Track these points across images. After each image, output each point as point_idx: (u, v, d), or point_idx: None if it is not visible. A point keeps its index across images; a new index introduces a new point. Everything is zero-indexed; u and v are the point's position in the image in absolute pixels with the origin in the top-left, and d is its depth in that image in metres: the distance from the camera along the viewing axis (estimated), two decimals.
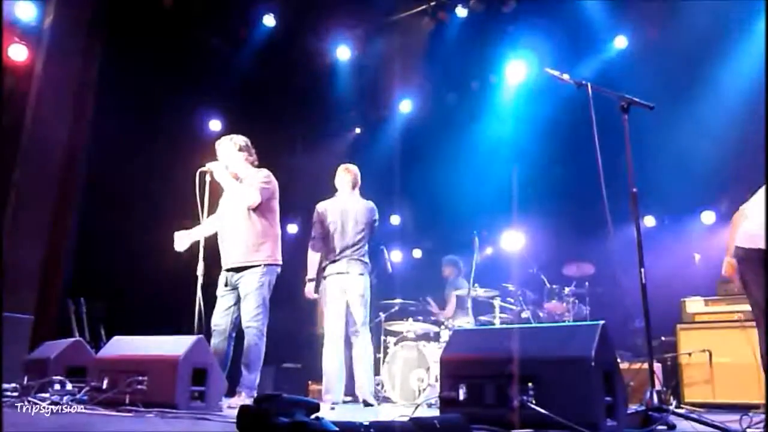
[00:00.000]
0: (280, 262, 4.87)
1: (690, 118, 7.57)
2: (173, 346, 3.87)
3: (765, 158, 5.06)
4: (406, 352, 6.69)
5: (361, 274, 5.36)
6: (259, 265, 4.69)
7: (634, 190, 3.61)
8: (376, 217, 5.59)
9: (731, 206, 6.05)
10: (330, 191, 5.46)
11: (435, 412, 3.56)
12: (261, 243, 4.73)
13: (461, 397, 3.05)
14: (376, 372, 7.31)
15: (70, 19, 6.99)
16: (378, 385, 7.08)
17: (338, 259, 5.33)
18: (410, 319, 7.25)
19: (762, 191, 4.98)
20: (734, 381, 5.87)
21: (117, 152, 7.54)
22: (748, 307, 5.94)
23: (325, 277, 5.43)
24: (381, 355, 7.28)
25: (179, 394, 3.67)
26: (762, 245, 4.50)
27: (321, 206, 5.54)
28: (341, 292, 5.33)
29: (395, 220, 10.67)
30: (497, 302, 7.28)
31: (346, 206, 5.49)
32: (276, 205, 4.91)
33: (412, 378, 6.55)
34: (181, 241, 4.87)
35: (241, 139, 4.98)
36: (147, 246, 7.28)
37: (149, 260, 7.36)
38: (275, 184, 4.90)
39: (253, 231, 4.72)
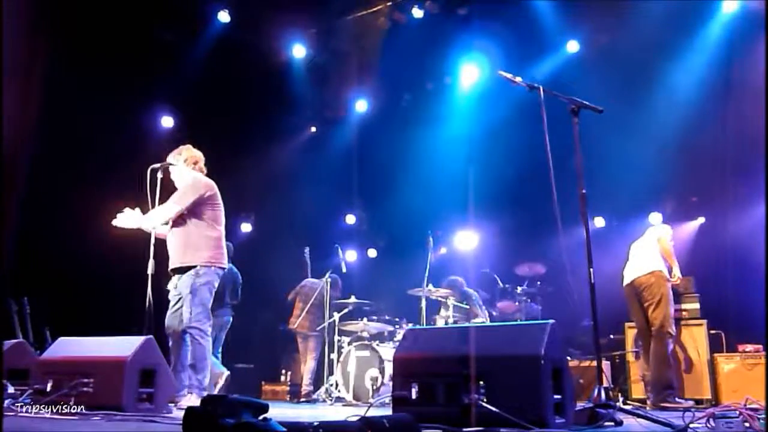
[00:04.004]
0: (222, 264, 4.81)
1: (638, 122, 7.77)
2: (121, 347, 3.78)
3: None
4: (360, 351, 6.69)
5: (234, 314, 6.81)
6: (195, 266, 4.65)
7: (583, 191, 3.66)
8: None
9: (677, 207, 6.24)
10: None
11: (388, 412, 3.56)
12: (196, 245, 4.70)
13: (413, 396, 3.06)
14: (331, 372, 7.30)
15: (16, 12, 6.75)
16: (332, 384, 7.06)
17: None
18: (365, 319, 7.24)
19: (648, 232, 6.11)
20: (679, 377, 6.03)
21: (64, 148, 7.32)
22: (691, 306, 6.15)
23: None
24: (335, 355, 7.25)
25: (126, 396, 3.60)
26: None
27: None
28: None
29: (350, 219, 10.65)
30: (451, 301, 7.34)
31: (235, 275, 6.64)
32: (208, 209, 4.80)
33: (366, 377, 6.55)
34: (126, 219, 4.68)
35: (192, 152, 4.94)
36: (95, 245, 7.08)
37: (97, 259, 7.17)
38: (206, 189, 4.80)
39: (187, 235, 4.72)
